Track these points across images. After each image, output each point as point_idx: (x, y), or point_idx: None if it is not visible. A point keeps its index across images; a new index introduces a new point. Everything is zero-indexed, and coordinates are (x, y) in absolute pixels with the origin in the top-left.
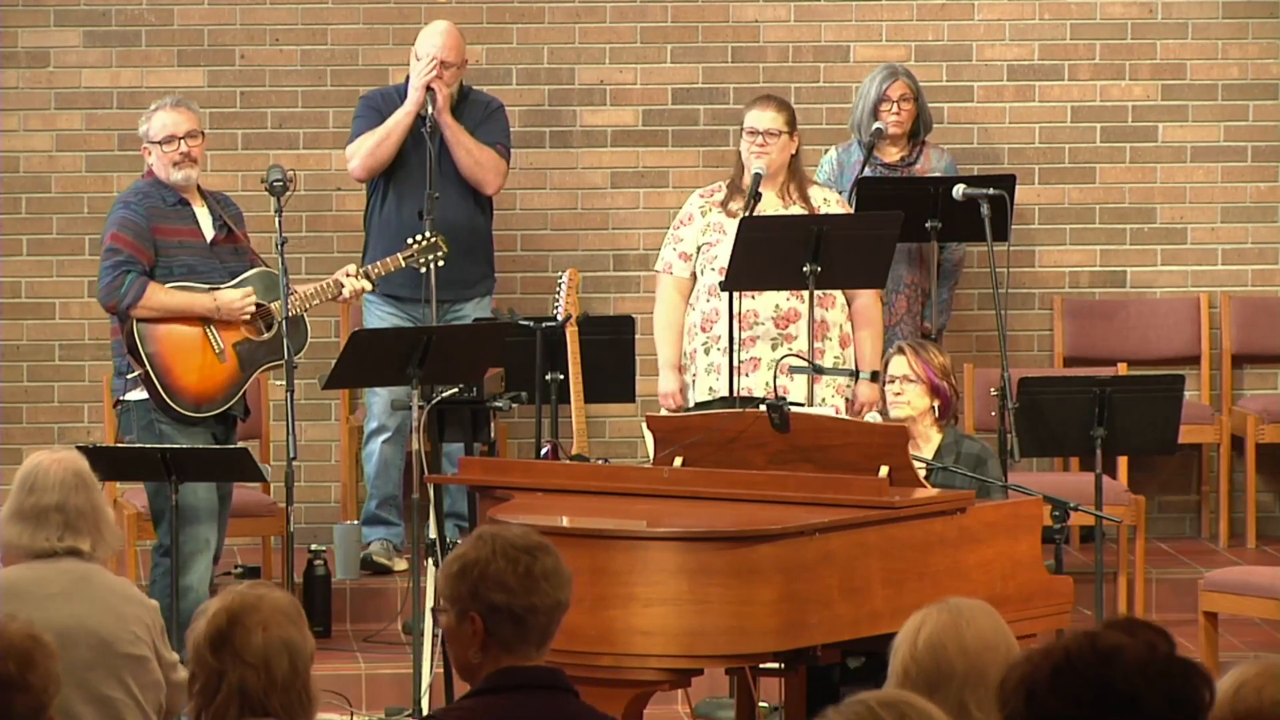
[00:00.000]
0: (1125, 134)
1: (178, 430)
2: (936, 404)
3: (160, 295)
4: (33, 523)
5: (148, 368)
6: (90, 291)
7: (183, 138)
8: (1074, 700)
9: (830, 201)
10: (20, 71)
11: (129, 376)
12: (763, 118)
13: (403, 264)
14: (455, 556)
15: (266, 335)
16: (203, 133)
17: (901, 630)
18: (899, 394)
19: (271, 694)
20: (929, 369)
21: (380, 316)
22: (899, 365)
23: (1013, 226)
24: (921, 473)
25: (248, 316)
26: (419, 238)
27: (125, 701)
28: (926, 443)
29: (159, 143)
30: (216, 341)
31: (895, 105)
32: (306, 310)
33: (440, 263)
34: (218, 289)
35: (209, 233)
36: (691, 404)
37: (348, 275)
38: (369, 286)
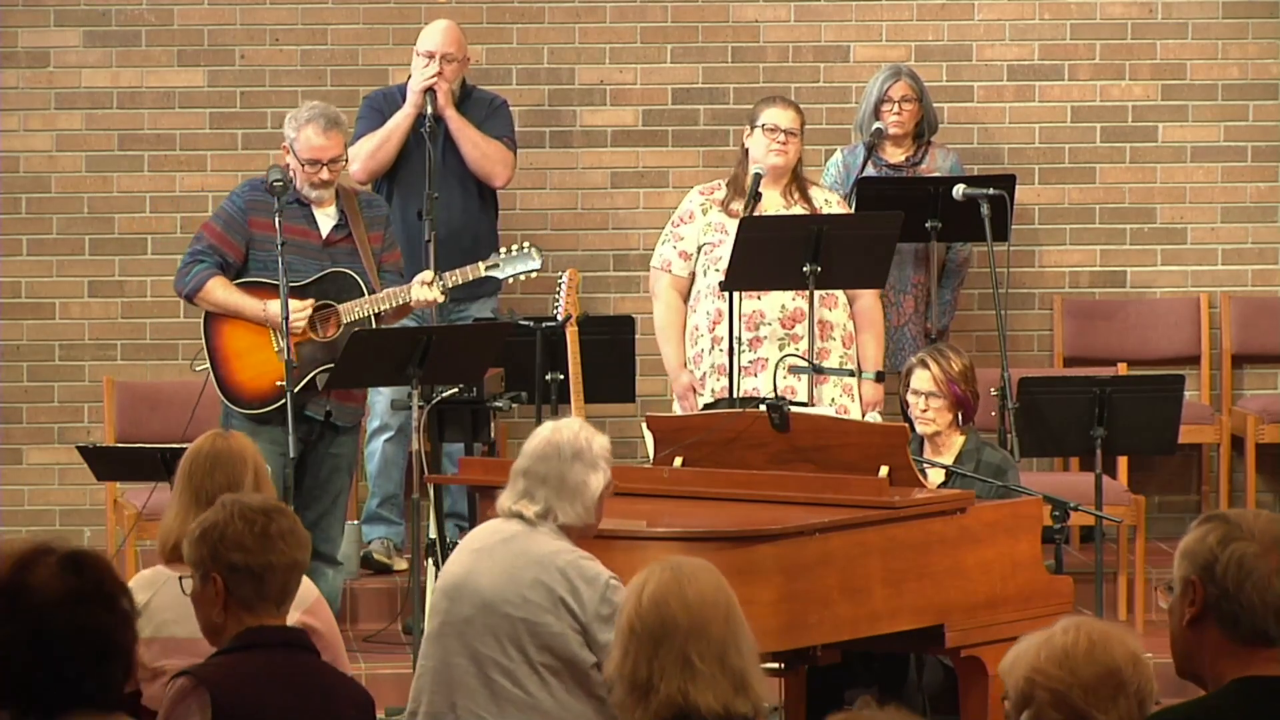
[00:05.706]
0: (1125, 134)
1: (248, 427)
2: (959, 412)
3: (218, 292)
4: (508, 483)
5: (208, 362)
6: (90, 291)
7: (327, 164)
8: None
9: (831, 203)
10: (20, 71)
11: (199, 369)
12: (785, 116)
13: (483, 272)
14: (198, 522)
15: (331, 336)
16: (345, 156)
17: (627, 588)
18: (924, 410)
19: None
20: (951, 381)
21: None
22: (923, 380)
23: (1013, 226)
24: (940, 478)
25: (297, 329)
26: (515, 247)
27: (502, 660)
28: (948, 449)
29: (302, 161)
30: (277, 340)
31: (896, 106)
32: (375, 315)
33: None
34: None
35: (325, 232)
36: (700, 405)
37: (422, 284)
38: (440, 297)
